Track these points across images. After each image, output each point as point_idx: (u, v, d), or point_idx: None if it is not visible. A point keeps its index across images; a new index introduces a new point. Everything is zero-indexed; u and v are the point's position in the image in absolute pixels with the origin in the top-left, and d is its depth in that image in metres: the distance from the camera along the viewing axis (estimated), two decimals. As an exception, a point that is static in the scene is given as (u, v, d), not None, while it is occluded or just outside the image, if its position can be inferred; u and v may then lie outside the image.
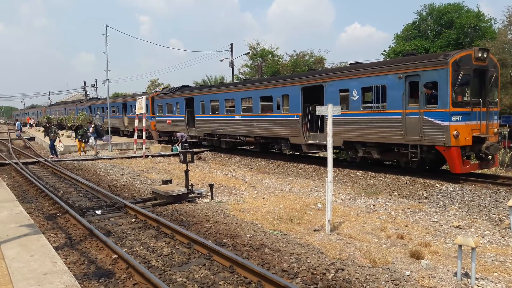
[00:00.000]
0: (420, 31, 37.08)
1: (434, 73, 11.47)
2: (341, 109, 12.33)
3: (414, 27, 37.63)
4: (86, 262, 6.19)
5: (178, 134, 23.61)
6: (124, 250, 6.55)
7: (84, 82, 67.06)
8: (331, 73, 15.33)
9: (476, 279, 5.48)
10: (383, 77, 12.85)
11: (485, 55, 11.79)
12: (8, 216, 7.32)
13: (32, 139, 34.97)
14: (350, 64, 16.08)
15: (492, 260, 6.37)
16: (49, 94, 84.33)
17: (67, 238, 7.41)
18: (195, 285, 5.38)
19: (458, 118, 11.28)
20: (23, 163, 17.74)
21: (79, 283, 4.84)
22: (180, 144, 22.64)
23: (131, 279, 5.52)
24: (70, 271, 5.18)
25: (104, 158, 20.17)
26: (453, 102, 11.20)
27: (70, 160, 19.49)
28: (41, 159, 19.14)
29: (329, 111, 7.88)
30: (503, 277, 5.70)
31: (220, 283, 5.42)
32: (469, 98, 11.78)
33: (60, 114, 51.17)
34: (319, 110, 8.11)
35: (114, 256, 6.23)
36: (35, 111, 73.92)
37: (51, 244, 6.26)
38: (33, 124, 59.57)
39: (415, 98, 12.15)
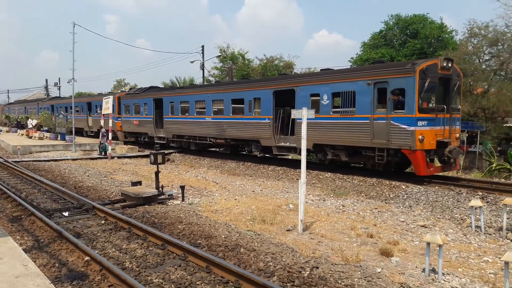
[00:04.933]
0: (387, 40, 38.35)
1: (402, 80, 11.94)
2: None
3: (380, 36, 38.87)
4: (57, 264, 5.98)
5: (103, 130, 21.50)
6: (96, 252, 6.38)
7: (46, 80, 64.37)
8: (303, 78, 15.61)
9: (443, 274, 5.76)
10: (353, 83, 13.23)
11: (449, 65, 12.42)
12: (-31, 218, 6.96)
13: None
14: (321, 69, 16.42)
15: (456, 257, 6.71)
16: (8, 92, 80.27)
17: (35, 241, 7.13)
18: (172, 285, 5.33)
19: (423, 123, 11.80)
20: (-19, 164, 16.84)
21: (51, 285, 4.68)
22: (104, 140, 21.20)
23: (105, 280, 5.39)
24: (41, 273, 4.99)
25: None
26: (419, 108, 11.70)
27: (32, 161, 18.69)
28: (0, 160, 18.23)
29: (303, 114, 8.04)
30: (466, 272, 6.02)
31: (197, 283, 5.40)
32: (434, 104, 12.33)
33: (20, 113, 48.92)
34: (294, 114, 8.26)
35: (86, 258, 6.05)
36: (-9, 110, 70.19)
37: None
38: None
39: (383, 103, 12.58)
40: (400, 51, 35.60)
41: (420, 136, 11.58)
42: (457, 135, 12.85)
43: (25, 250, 6.35)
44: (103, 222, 8.45)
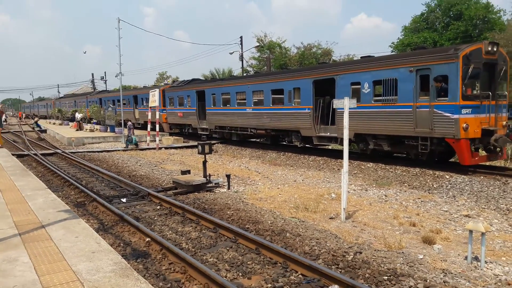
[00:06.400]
0: (429, 23, 37.09)
1: (445, 66, 11.78)
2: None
3: (422, 19, 37.63)
4: (122, 244, 6.69)
5: (129, 123, 24.15)
6: (155, 234, 7.02)
7: (92, 74, 67.66)
8: (343, 66, 15.65)
9: (486, 262, 5.90)
10: (394, 70, 13.18)
11: (495, 49, 12.06)
12: (44, 203, 7.81)
13: (45, 131, 35.68)
14: (361, 57, 16.38)
15: (500, 246, 6.78)
16: (58, 87, 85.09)
17: (100, 223, 7.93)
18: (225, 264, 5.86)
19: (467, 111, 11.61)
20: (42, 154, 18.30)
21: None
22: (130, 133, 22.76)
23: (166, 259, 6.00)
24: (111, 251, 5.65)
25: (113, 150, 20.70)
26: (463, 95, 11.51)
27: (86, 152, 20.04)
28: (59, 151, 19.70)
29: (345, 104, 8.26)
30: (511, 261, 6.11)
31: (248, 263, 5.90)
32: (478, 91, 12.08)
33: (70, 106, 51.78)
34: (336, 103, 8.49)
35: (147, 239, 6.71)
36: (44, 104, 74.68)
37: (89, 228, 6.74)
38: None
39: (425, 91, 12.47)
40: (443, 35, 34.34)
41: (464, 124, 11.42)
42: (504, 123, 12.49)
43: (94, 232, 7.13)
44: (158, 207, 9.18)
